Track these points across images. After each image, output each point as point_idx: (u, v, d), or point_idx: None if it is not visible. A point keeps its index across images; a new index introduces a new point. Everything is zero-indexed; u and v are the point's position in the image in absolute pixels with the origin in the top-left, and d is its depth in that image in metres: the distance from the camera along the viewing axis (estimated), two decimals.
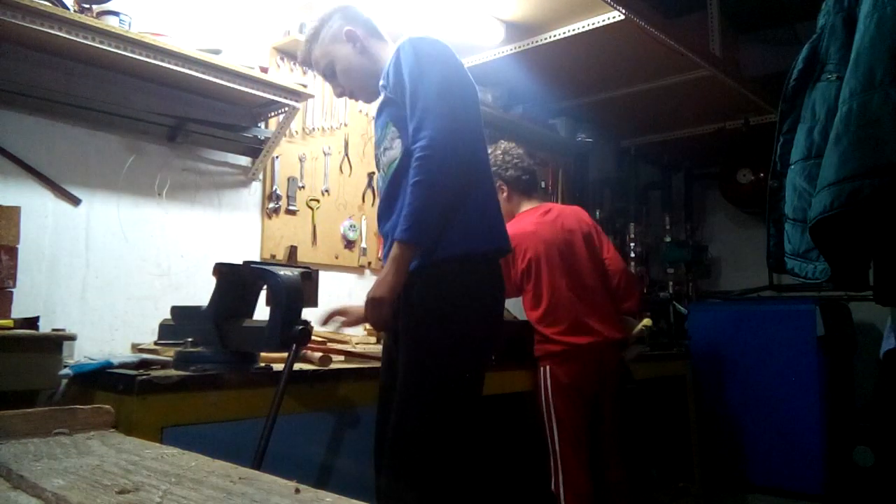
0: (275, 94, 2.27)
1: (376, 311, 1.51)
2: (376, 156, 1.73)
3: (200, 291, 2.11)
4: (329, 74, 1.78)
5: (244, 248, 2.45)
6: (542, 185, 3.68)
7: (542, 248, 2.44)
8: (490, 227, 1.60)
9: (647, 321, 2.67)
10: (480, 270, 1.58)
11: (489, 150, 2.36)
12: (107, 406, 1.18)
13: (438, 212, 1.49)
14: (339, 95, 1.82)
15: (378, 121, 1.69)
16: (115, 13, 1.94)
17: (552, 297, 2.43)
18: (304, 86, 2.39)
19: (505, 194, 2.54)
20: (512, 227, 2.27)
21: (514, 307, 2.93)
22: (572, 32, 2.68)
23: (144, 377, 1.45)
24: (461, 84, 1.57)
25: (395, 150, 1.59)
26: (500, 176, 2.51)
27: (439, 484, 1.48)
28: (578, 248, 2.54)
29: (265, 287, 1.68)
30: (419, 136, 1.47)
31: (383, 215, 1.64)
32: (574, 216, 2.63)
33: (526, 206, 2.59)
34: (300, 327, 1.55)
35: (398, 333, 1.59)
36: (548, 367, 2.41)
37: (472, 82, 1.63)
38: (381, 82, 1.65)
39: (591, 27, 2.63)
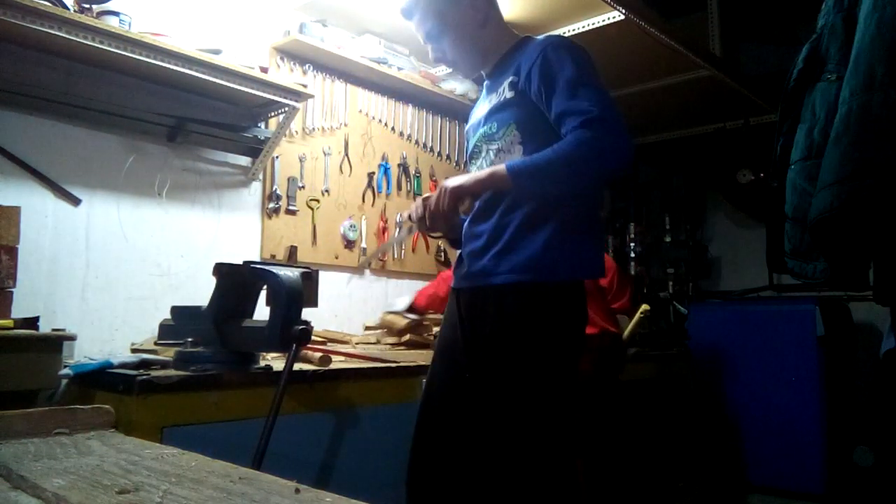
0: (275, 94, 2.27)
1: (453, 199, 1.43)
2: (476, 146, 1.62)
3: (200, 291, 2.11)
4: (434, 37, 1.61)
5: (244, 248, 2.45)
6: None
7: None
8: (593, 251, 1.56)
9: (644, 307, 2.72)
10: (578, 296, 1.53)
11: None
12: (107, 406, 1.18)
13: (557, 182, 1.41)
14: (437, 60, 1.70)
15: (495, 115, 1.57)
16: (115, 13, 1.94)
17: None
18: (304, 86, 2.39)
19: None
20: None
21: None
22: (572, 32, 2.68)
23: (144, 377, 1.45)
24: None
25: (515, 155, 1.50)
26: None
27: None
28: None
29: (265, 287, 1.68)
30: (596, 122, 1.35)
31: (481, 216, 1.54)
32: None
33: None
34: (300, 327, 1.55)
35: (475, 336, 1.54)
36: None
37: None
38: (511, 78, 1.52)
39: (591, 27, 2.62)
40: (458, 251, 1.68)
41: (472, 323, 1.57)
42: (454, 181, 1.45)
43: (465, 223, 1.63)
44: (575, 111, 1.38)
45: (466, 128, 1.75)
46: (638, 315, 2.72)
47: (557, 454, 1.45)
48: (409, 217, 1.58)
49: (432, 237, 1.79)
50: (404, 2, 1.64)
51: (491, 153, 1.57)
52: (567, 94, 1.41)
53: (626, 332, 2.70)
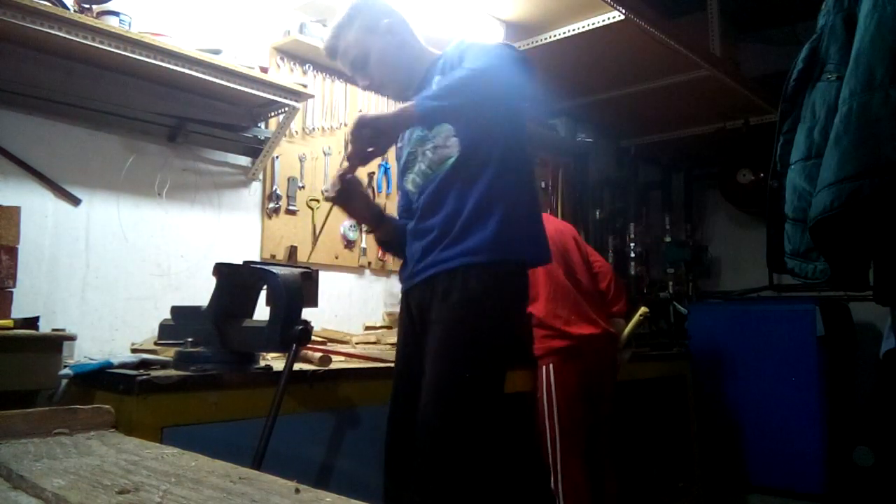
0: (275, 94, 2.27)
1: (359, 129, 1.44)
2: (410, 153, 1.68)
3: (200, 291, 2.11)
4: (359, 65, 1.70)
5: (244, 248, 2.45)
6: (543, 184, 3.69)
7: None
8: (539, 237, 1.62)
9: (643, 309, 2.73)
10: (524, 279, 1.58)
11: None
12: (107, 406, 1.18)
13: (465, 95, 1.43)
14: (366, 88, 1.77)
15: None
16: (115, 13, 1.94)
17: (552, 287, 2.47)
18: (304, 86, 2.39)
19: None
20: None
21: None
22: (572, 32, 2.68)
23: (144, 377, 1.45)
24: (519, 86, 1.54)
25: (451, 148, 1.57)
26: None
27: (477, 488, 1.45)
28: (572, 250, 2.65)
29: (265, 287, 1.68)
30: (507, 47, 1.50)
31: (427, 212, 1.59)
32: (563, 223, 2.80)
33: None
34: (300, 327, 1.55)
35: (423, 327, 1.57)
36: (551, 366, 2.42)
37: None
38: (437, 77, 1.60)
39: (591, 27, 2.63)
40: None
41: (421, 316, 1.59)
42: (363, 115, 1.49)
43: (412, 223, 1.66)
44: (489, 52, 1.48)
45: (398, 145, 1.78)
46: (637, 316, 2.72)
47: (489, 436, 1.48)
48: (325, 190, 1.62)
49: (344, 211, 1.80)
50: (326, 42, 1.73)
51: (428, 152, 1.61)
52: (483, 53, 1.49)
53: (625, 333, 2.70)
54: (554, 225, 2.67)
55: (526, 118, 1.70)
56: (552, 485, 2.39)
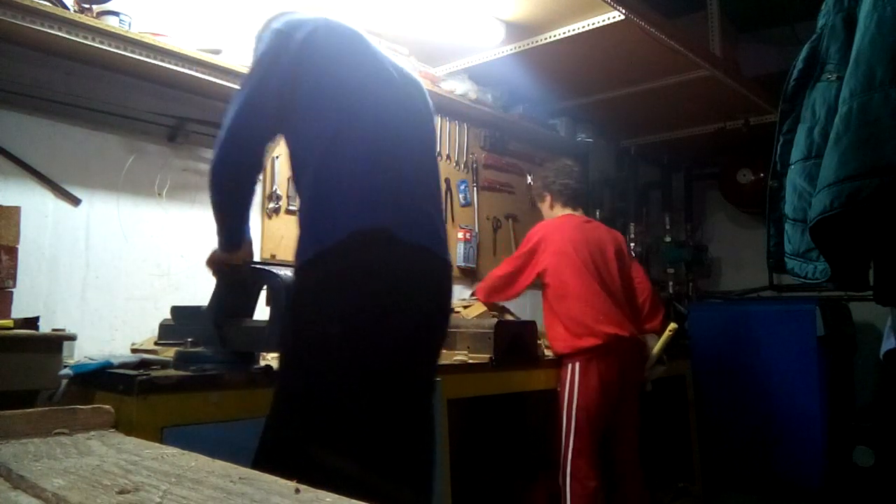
0: None
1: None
2: None
3: (200, 291, 2.11)
4: None
5: None
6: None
7: (568, 244, 2.55)
8: (340, 218, 1.41)
9: (672, 325, 2.75)
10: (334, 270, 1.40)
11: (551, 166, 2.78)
12: (107, 406, 1.17)
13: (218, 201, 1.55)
14: None
15: None
16: (115, 13, 1.94)
17: (583, 290, 2.49)
18: None
19: (547, 202, 2.76)
20: (544, 223, 2.64)
21: (515, 307, 2.93)
22: (572, 32, 2.68)
23: (144, 377, 1.45)
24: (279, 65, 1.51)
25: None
26: (547, 187, 2.75)
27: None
28: (610, 259, 2.65)
29: (265, 287, 1.68)
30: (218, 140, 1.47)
31: None
32: (610, 233, 2.78)
33: (565, 212, 2.73)
34: None
35: None
36: (577, 364, 2.43)
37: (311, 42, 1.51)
38: None
39: (591, 27, 2.63)
40: None
41: None
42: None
43: None
44: None
45: None
46: (667, 333, 2.72)
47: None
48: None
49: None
50: None
51: None
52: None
53: (656, 350, 2.71)
54: (598, 233, 2.68)
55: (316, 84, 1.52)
56: (559, 480, 2.40)
